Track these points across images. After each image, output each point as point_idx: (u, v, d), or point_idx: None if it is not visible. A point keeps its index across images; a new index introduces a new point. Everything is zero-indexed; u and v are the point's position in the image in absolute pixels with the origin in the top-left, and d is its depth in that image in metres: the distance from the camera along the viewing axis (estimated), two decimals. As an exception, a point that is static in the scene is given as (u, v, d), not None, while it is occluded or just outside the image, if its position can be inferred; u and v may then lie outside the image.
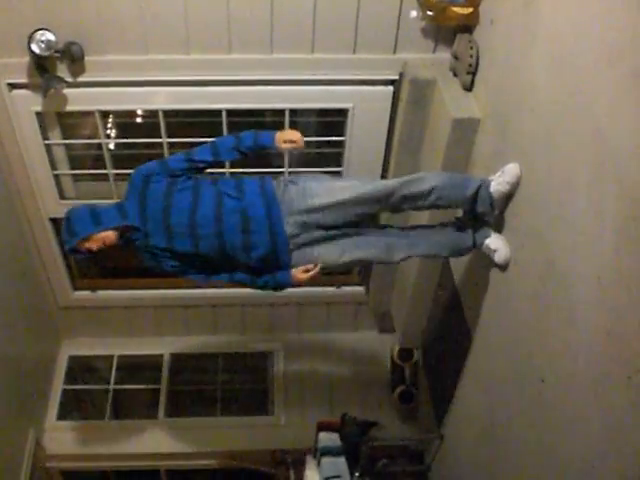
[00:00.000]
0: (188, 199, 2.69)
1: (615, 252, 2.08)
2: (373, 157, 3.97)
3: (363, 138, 3.86)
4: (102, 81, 3.54)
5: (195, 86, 3.62)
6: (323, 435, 4.14)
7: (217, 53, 3.49)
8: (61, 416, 4.70)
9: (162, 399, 4.80)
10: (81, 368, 5.07)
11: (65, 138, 3.90)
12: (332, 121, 3.95)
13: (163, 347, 5.01)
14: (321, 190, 2.74)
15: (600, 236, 2.16)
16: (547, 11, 2.52)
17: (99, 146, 3.90)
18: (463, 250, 3.00)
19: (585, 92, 2.24)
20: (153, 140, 3.83)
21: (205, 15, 3.34)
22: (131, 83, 3.57)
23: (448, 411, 4.00)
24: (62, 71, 3.47)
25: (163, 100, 3.67)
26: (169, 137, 3.80)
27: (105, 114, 3.87)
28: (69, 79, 3.49)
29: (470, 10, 3.19)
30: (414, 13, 3.35)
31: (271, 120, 3.94)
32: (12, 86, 3.54)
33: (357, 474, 3.98)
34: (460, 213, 3.03)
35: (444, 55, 3.48)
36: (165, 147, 3.82)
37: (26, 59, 3.40)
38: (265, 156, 4.02)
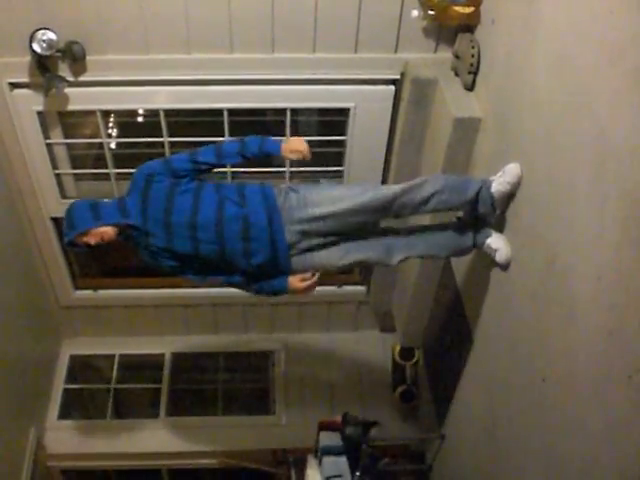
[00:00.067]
0: (190, 201, 2.68)
1: (615, 252, 2.08)
2: (374, 157, 3.97)
3: (364, 137, 3.86)
4: (103, 80, 3.55)
5: (196, 85, 3.62)
6: (324, 434, 4.14)
7: (218, 52, 3.49)
8: (62, 415, 4.71)
9: (163, 398, 4.80)
10: (82, 367, 5.08)
11: (66, 137, 3.90)
12: (333, 120, 3.95)
13: (164, 346, 5.02)
14: (321, 199, 2.73)
15: (600, 236, 2.16)
16: (548, 11, 2.52)
17: (100, 145, 3.91)
18: (463, 250, 2.99)
19: (586, 92, 2.23)
20: (154, 139, 3.83)
21: (206, 14, 3.34)
22: (132, 82, 3.57)
23: (449, 410, 4.00)
24: (63, 70, 3.48)
25: (164, 99, 3.67)
26: (170, 136, 3.80)
27: (106, 113, 3.88)
28: (70, 78, 3.49)
29: (471, 9, 3.19)
30: (415, 12, 3.35)
31: (272, 119, 3.94)
32: (13, 85, 3.55)
33: (358, 473, 3.98)
34: (461, 213, 3.03)
35: (445, 55, 3.48)
36: (166, 146, 3.83)
37: (27, 58, 3.41)
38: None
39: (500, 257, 2.88)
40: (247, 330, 5.04)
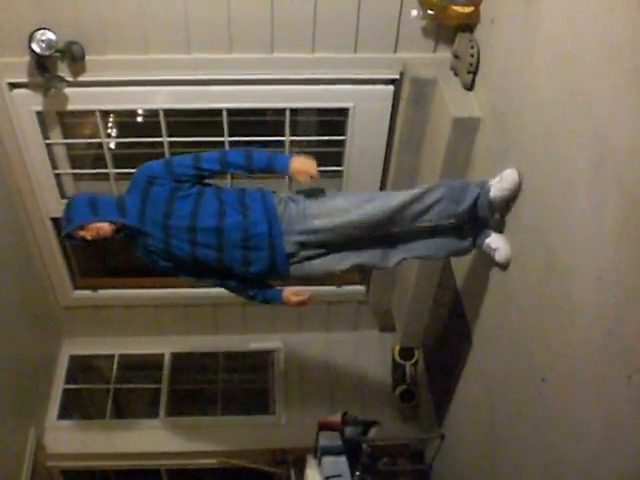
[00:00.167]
0: (190, 206, 2.68)
1: (615, 251, 2.08)
2: (373, 156, 3.97)
3: (364, 137, 3.86)
4: (103, 80, 3.55)
5: (196, 85, 3.61)
6: (324, 434, 4.13)
7: (218, 52, 3.49)
8: (62, 415, 4.71)
9: (163, 398, 4.80)
10: (82, 367, 5.08)
11: (66, 137, 3.90)
12: (333, 120, 3.94)
13: (164, 346, 5.02)
14: (321, 211, 2.71)
15: (600, 235, 2.16)
16: (548, 11, 2.52)
17: (100, 145, 3.91)
18: (460, 251, 2.99)
19: (585, 92, 2.23)
20: (154, 139, 3.83)
21: (205, 14, 3.34)
22: (132, 82, 3.57)
23: (449, 410, 4.00)
24: (63, 70, 3.47)
25: (164, 99, 3.67)
26: (170, 136, 3.80)
27: (106, 113, 3.87)
28: (70, 78, 3.49)
29: (471, 9, 3.19)
30: (415, 12, 3.35)
31: (272, 119, 3.94)
32: (13, 85, 3.55)
33: (358, 473, 3.98)
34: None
35: (445, 54, 3.48)
36: (166, 146, 3.83)
37: (27, 58, 3.40)
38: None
39: (500, 257, 2.87)
40: (247, 330, 5.04)
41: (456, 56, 3.35)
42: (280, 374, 4.96)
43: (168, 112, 3.74)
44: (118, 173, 3.96)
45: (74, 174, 4.07)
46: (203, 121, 3.86)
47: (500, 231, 2.93)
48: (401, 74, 3.59)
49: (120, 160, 3.96)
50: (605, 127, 2.12)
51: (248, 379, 5.14)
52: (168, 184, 2.69)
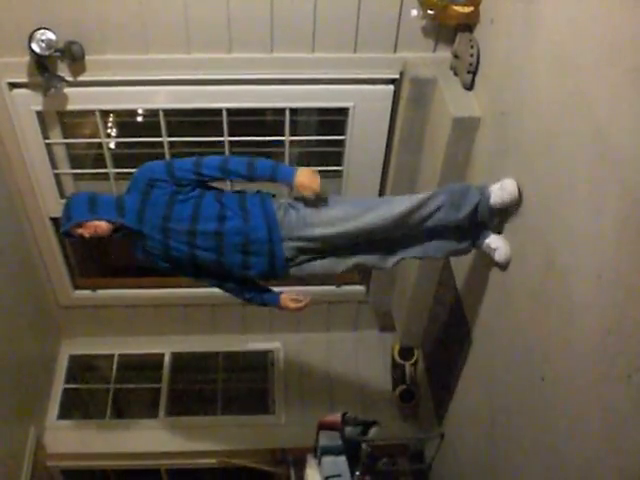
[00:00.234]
0: (190, 210, 2.68)
1: (615, 251, 2.08)
2: (373, 156, 3.97)
3: (363, 137, 3.86)
4: (102, 80, 3.54)
5: (195, 85, 3.61)
6: (323, 434, 4.13)
7: (217, 52, 3.49)
8: (62, 415, 4.71)
9: (163, 398, 4.81)
10: (82, 367, 5.09)
11: (66, 137, 3.89)
12: (332, 120, 3.94)
13: (164, 346, 5.02)
14: (322, 220, 2.70)
15: (600, 235, 2.16)
16: (548, 10, 2.52)
17: (99, 145, 3.90)
18: (459, 252, 2.98)
19: (585, 92, 2.23)
20: (154, 139, 3.83)
21: (205, 14, 3.33)
22: (131, 82, 3.57)
23: (448, 410, 4.00)
24: (62, 70, 3.47)
25: (163, 99, 3.67)
26: (169, 136, 3.80)
27: (105, 113, 3.87)
28: (69, 78, 3.49)
29: (471, 9, 3.19)
30: (415, 12, 3.35)
31: (272, 119, 3.94)
32: (13, 85, 3.55)
33: (358, 473, 3.98)
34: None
35: (445, 54, 3.48)
36: (166, 146, 3.83)
37: (26, 58, 3.40)
38: (266, 155, 4.02)
39: (499, 256, 2.88)
40: (246, 330, 5.04)
41: (456, 56, 3.35)
42: (280, 374, 4.96)
43: (168, 112, 3.74)
44: (118, 173, 3.96)
45: (74, 174, 4.06)
46: (203, 121, 3.86)
47: (500, 231, 2.93)
48: (401, 74, 3.59)
49: (120, 160, 3.96)
50: (605, 127, 2.12)
51: (248, 379, 5.14)
52: (169, 187, 2.68)
